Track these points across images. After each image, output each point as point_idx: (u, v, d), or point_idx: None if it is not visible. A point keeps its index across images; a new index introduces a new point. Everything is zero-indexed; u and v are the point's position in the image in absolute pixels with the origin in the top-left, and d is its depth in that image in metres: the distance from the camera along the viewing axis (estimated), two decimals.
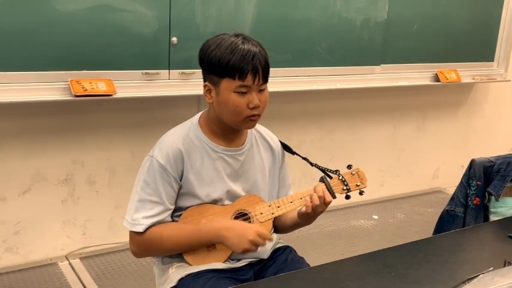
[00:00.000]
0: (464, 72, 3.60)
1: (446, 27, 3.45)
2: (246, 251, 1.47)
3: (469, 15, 3.53)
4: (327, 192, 1.52)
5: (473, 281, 1.25)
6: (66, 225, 2.67)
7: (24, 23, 2.19)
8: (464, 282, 1.25)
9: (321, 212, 1.54)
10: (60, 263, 2.61)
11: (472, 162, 2.37)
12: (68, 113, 2.55)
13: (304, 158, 1.68)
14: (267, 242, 1.50)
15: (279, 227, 1.68)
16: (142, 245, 1.49)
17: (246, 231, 1.46)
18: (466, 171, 2.39)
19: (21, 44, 2.21)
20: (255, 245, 1.46)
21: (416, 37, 3.34)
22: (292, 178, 1.75)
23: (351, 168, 1.62)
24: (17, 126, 2.47)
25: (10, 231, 2.54)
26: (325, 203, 1.52)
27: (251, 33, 1.67)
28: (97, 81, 2.37)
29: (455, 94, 3.89)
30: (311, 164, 1.66)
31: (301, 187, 1.59)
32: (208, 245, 1.53)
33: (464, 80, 3.59)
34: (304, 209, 1.54)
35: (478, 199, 2.35)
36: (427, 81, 3.48)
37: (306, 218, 1.57)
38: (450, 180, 3.77)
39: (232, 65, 1.44)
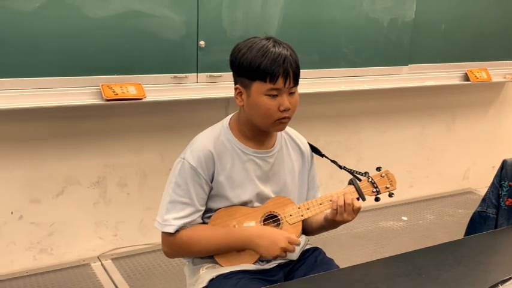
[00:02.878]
0: (495, 71, 3.54)
1: (475, 26, 3.40)
2: (276, 257, 1.50)
3: (499, 12, 3.47)
4: (357, 201, 1.52)
5: (506, 284, 1.24)
6: (98, 226, 2.73)
7: (56, 30, 2.25)
8: (496, 285, 1.24)
9: (350, 220, 1.54)
10: (92, 264, 2.66)
11: (504, 162, 2.34)
12: (99, 117, 2.60)
13: (333, 161, 1.68)
14: (296, 247, 1.53)
15: (306, 229, 1.68)
16: (174, 246, 1.52)
17: (278, 238, 1.48)
18: (497, 171, 2.36)
19: (54, 51, 2.27)
20: (286, 251, 1.49)
21: (444, 36, 3.30)
22: (320, 179, 1.75)
23: (380, 170, 1.61)
24: (50, 131, 2.53)
25: (44, 232, 2.61)
26: (353, 210, 1.52)
27: (278, 35, 1.68)
28: (127, 86, 2.42)
29: (485, 93, 3.83)
30: (340, 166, 1.66)
31: (328, 188, 1.60)
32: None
33: (494, 79, 3.54)
34: (330, 215, 1.54)
35: (510, 200, 2.32)
36: (457, 81, 3.44)
37: (332, 223, 1.57)
38: (481, 181, 3.71)
39: (263, 68, 1.45)
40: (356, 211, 1.52)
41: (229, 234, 1.52)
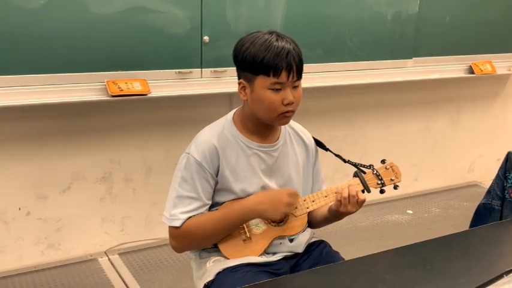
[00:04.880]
0: (500, 63, 3.54)
1: (479, 18, 3.39)
2: (285, 215, 1.54)
3: (503, 5, 3.46)
4: (361, 192, 1.53)
5: (511, 274, 1.24)
6: (105, 222, 2.75)
7: (61, 27, 2.26)
8: (501, 275, 1.24)
9: (353, 212, 1.54)
10: (99, 259, 2.69)
11: (509, 154, 2.34)
12: (105, 113, 2.62)
13: (337, 155, 1.68)
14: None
15: (311, 221, 1.69)
16: (181, 238, 1.53)
17: (277, 197, 1.50)
18: (502, 163, 2.36)
19: (58, 47, 2.28)
20: (290, 205, 1.51)
21: (449, 29, 3.29)
22: (325, 173, 1.76)
23: (384, 162, 1.62)
24: (56, 127, 2.54)
25: (52, 228, 2.63)
26: (358, 203, 1.53)
27: (282, 30, 1.69)
28: (132, 81, 2.43)
29: (490, 86, 3.82)
30: (344, 160, 1.67)
31: (334, 182, 1.60)
32: (244, 238, 1.56)
33: (499, 72, 3.53)
34: (334, 206, 1.56)
35: None
36: (461, 74, 3.43)
37: (336, 214, 1.58)
38: (486, 174, 3.71)
39: (266, 62, 1.46)
40: (360, 203, 1.53)
41: (231, 211, 1.52)
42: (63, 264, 2.62)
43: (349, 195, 1.51)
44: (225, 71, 2.60)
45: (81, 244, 2.70)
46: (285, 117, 1.52)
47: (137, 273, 2.58)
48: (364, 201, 1.53)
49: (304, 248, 1.63)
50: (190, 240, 1.55)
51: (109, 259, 2.69)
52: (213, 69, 2.61)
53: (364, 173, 1.60)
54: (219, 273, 1.52)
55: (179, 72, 2.54)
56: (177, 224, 1.51)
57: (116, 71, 2.41)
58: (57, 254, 2.66)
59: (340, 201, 1.52)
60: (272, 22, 2.69)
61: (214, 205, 1.57)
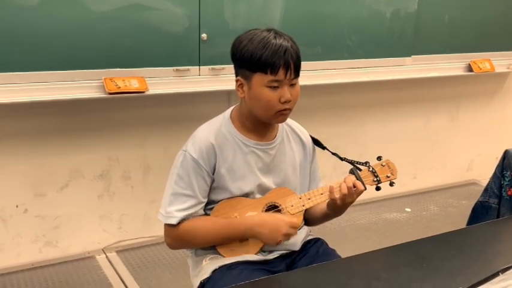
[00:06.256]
0: (498, 61, 3.53)
1: (478, 16, 3.38)
2: (279, 243, 1.50)
3: (502, 3, 3.46)
4: (358, 182, 1.53)
5: (507, 272, 1.24)
6: (103, 219, 2.74)
7: (58, 24, 2.26)
8: (498, 273, 1.24)
9: (350, 203, 1.54)
10: (97, 257, 2.68)
11: (506, 152, 2.33)
12: (102, 110, 2.61)
13: (334, 154, 1.68)
14: (297, 236, 1.54)
15: (309, 219, 1.69)
16: (176, 237, 1.53)
17: (279, 224, 1.48)
18: (499, 161, 2.36)
19: (56, 45, 2.27)
20: (288, 236, 1.49)
21: (448, 27, 3.29)
22: (323, 171, 1.75)
23: (380, 159, 1.62)
24: (54, 124, 2.54)
25: (49, 225, 2.63)
26: (356, 193, 1.52)
27: (280, 27, 1.69)
28: (130, 79, 2.43)
29: (489, 84, 3.81)
30: (341, 158, 1.67)
31: (332, 180, 1.60)
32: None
33: (498, 70, 3.53)
34: (331, 200, 1.55)
35: None
36: (460, 72, 3.43)
37: (334, 207, 1.57)
38: (485, 172, 3.68)
39: (264, 60, 1.45)
40: (358, 193, 1.52)
41: (230, 224, 1.53)
42: (60, 262, 2.62)
43: (347, 187, 1.51)
44: (223, 68, 2.60)
45: (78, 241, 2.70)
46: (282, 115, 1.52)
47: (135, 271, 2.58)
48: (362, 191, 1.53)
49: (300, 246, 1.63)
50: (185, 241, 1.55)
51: (107, 257, 2.69)
52: (211, 66, 2.60)
53: (360, 170, 1.60)
54: (215, 270, 1.52)
55: (177, 69, 2.54)
56: (173, 221, 1.51)
57: (114, 69, 2.40)
58: (55, 251, 2.66)
59: (334, 198, 1.52)
60: (270, 20, 2.68)
61: (209, 203, 1.57)
